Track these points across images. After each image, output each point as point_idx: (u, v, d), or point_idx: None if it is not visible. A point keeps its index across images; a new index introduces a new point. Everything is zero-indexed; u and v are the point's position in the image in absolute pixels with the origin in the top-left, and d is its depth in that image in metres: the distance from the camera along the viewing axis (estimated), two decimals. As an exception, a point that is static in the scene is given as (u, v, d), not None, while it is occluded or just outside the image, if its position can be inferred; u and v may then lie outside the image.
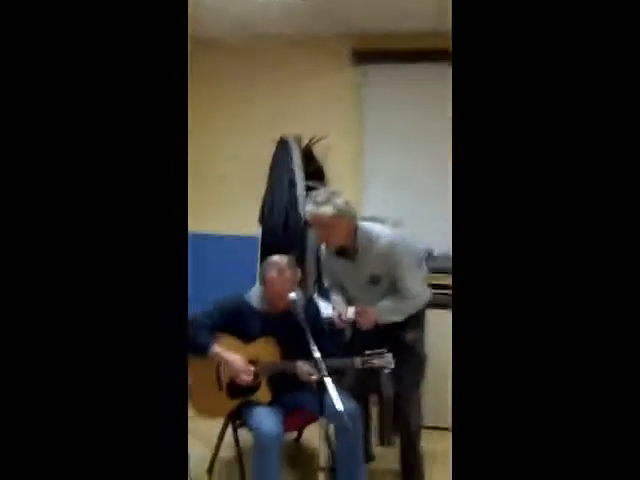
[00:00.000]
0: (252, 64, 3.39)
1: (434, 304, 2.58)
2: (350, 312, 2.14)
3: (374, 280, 2.05)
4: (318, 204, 1.94)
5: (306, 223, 3.10)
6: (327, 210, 1.93)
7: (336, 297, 2.21)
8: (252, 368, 1.97)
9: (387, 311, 2.03)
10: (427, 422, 2.49)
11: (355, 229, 2.02)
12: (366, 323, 2.03)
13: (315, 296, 2.66)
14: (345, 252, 2.07)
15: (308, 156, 3.20)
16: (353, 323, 2.29)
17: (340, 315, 2.07)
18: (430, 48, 2.97)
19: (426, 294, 2.17)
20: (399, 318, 2.06)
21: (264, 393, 1.99)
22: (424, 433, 2.30)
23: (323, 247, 2.22)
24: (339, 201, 1.95)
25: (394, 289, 2.07)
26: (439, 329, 2.60)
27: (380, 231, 2.03)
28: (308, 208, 1.99)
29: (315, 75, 3.32)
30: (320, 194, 1.98)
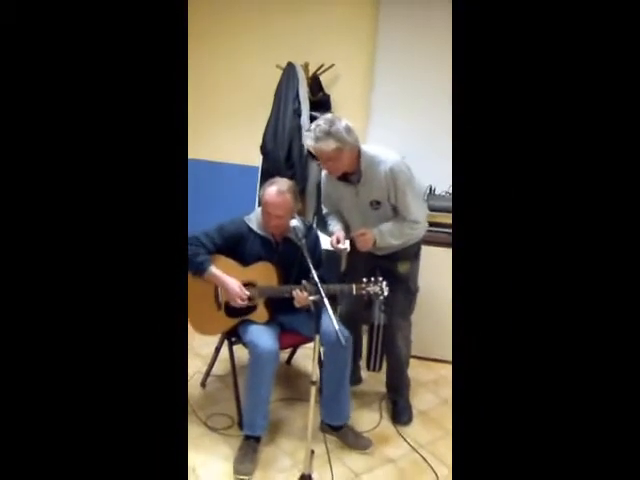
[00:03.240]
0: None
1: (432, 241, 2.64)
2: (347, 243, 2.16)
3: (375, 204, 2.06)
4: (318, 139, 1.90)
5: (309, 153, 3.08)
6: (329, 144, 1.89)
7: (334, 222, 2.22)
8: (247, 293, 2.01)
9: (386, 233, 2.05)
10: (415, 352, 2.63)
11: (358, 155, 2.00)
12: (364, 244, 2.05)
13: (315, 227, 2.67)
14: (348, 177, 2.06)
15: (315, 84, 3.11)
16: (350, 254, 2.33)
17: (338, 240, 2.09)
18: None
19: (425, 222, 2.17)
20: (397, 242, 2.08)
21: (261, 314, 2.05)
22: (411, 362, 2.40)
23: (324, 172, 2.20)
24: (340, 129, 1.90)
25: (394, 215, 2.08)
26: (436, 266, 2.67)
27: (384, 155, 2.01)
28: (309, 143, 1.94)
29: (329, 3, 3.16)
30: (319, 127, 1.91)
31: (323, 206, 2.33)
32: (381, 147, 2.08)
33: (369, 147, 2.05)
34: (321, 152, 1.93)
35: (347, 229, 2.20)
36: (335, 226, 2.20)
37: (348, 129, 1.94)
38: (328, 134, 1.89)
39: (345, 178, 2.07)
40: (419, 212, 2.11)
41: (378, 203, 2.06)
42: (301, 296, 1.90)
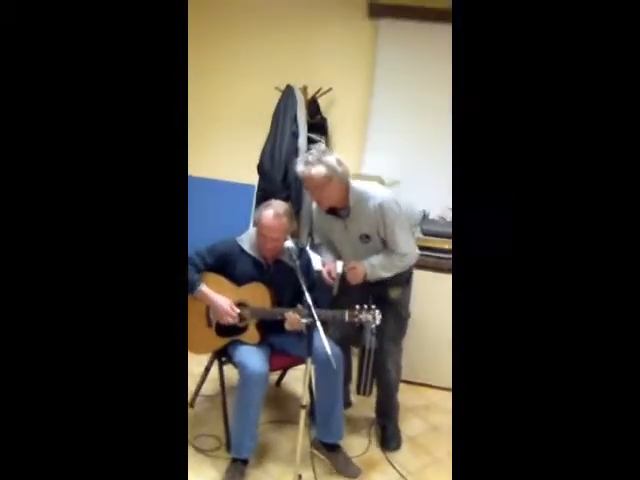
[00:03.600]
0: (265, 8, 3.29)
1: (424, 266, 2.66)
2: (339, 268, 2.18)
3: (365, 238, 2.09)
4: (309, 164, 1.93)
5: (305, 175, 3.11)
6: (319, 170, 1.92)
7: (326, 254, 2.24)
8: (237, 311, 2.01)
9: (377, 267, 2.07)
10: (403, 377, 2.62)
11: (347, 189, 2.02)
12: (355, 278, 2.07)
13: (307, 248, 2.69)
14: (337, 211, 2.08)
15: (313, 107, 3.16)
16: (342, 279, 2.34)
17: (330, 272, 2.11)
18: (447, 8, 2.89)
19: (414, 253, 2.20)
20: (387, 274, 2.10)
21: (252, 335, 2.04)
22: (400, 387, 2.39)
23: (315, 206, 2.22)
24: (330, 159, 1.94)
25: (384, 247, 2.10)
26: (426, 290, 2.69)
27: (372, 191, 2.04)
28: (299, 169, 1.97)
29: (328, 25, 3.24)
30: (311, 155, 1.96)
31: (315, 236, 2.35)
32: (370, 184, 2.13)
33: (358, 183, 2.08)
34: (311, 179, 1.95)
35: (339, 258, 2.22)
36: (327, 258, 2.22)
37: (339, 161, 1.97)
38: (319, 161, 1.92)
39: (334, 212, 2.09)
40: (407, 245, 2.13)
41: (367, 237, 2.08)
42: (294, 319, 1.90)
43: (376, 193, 2.03)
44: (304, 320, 1.68)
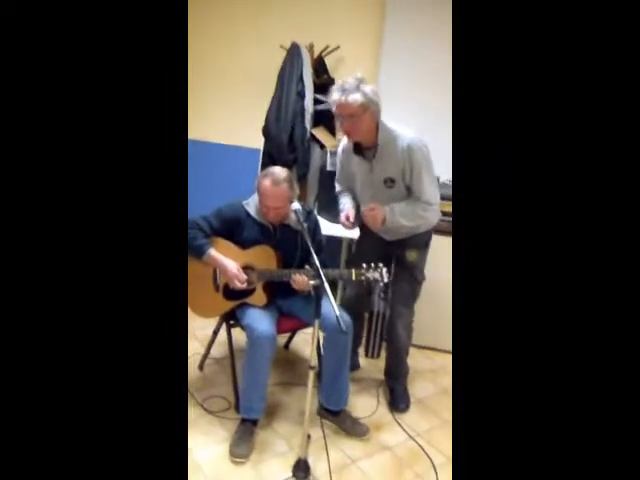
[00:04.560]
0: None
1: (439, 230, 2.61)
2: (354, 215, 2.10)
3: (389, 182, 2.01)
4: (346, 92, 1.85)
5: (312, 137, 3.03)
6: (356, 98, 1.84)
7: (346, 200, 2.17)
8: (245, 276, 1.98)
9: (397, 212, 1.99)
10: (415, 341, 2.61)
11: (377, 125, 1.95)
12: (374, 221, 2.00)
13: (315, 212, 2.64)
14: (364, 151, 2.01)
15: (320, 67, 3.05)
16: (359, 237, 2.30)
17: (348, 217, 2.05)
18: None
19: (438, 206, 2.12)
20: (408, 223, 2.02)
21: (259, 297, 2.02)
22: (410, 351, 2.38)
23: (342, 146, 2.15)
24: (368, 89, 1.86)
25: (407, 195, 2.03)
26: (438, 255, 2.64)
27: (402, 131, 1.96)
28: (335, 97, 1.88)
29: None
30: (348, 82, 1.87)
31: (336, 183, 2.28)
32: (399, 124, 2.02)
33: (389, 122, 1.99)
34: (346, 106, 1.86)
35: (359, 209, 2.14)
36: (347, 204, 2.15)
37: (375, 92, 1.89)
38: (357, 88, 1.85)
39: (361, 152, 2.02)
40: (433, 194, 2.05)
41: (392, 181, 2.01)
42: (301, 280, 1.87)
43: (406, 133, 1.96)
44: (312, 282, 1.65)
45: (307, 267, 1.85)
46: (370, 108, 1.87)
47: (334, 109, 1.93)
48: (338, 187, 2.27)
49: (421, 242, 2.17)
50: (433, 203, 2.05)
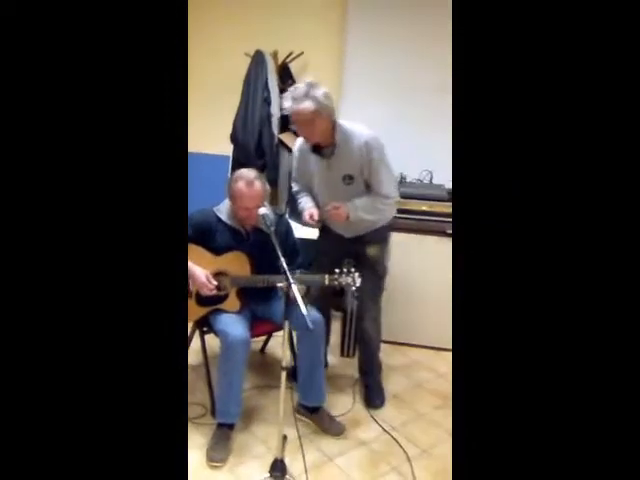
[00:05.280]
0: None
1: (403, 228, 2.68)
2: (318, 214, 2.14)
3: (347, 179, 2.07)
4: (297, 100, 1.90)
5: (280, 142, 3.07)
6: (307, 105, 1.89)
7: (306, 199, 2.22)
8: (215, 283, 1.99)
9: (359, 208, 2.07)
10: (387, 338, 2.68)
11: (334, 124, 2.00)
12: (338, 218, 2.07)
13: (287, 215, 2.68)
14: (322, 150, 2.06)
15: (285, 73, 3.10)
16: (319, 236, 2.35)
17: (312, 215, 2.10)
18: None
19: (396, 198, 2.19)
20: (369, 217, 2.10)
21: (232, 303, 2.05)
22: (382, 346, 2.44)
23: (298, 145, 2.20)
24: (319, 94, 1.91)
25: (366, 191, 2.09)
26: (407, 252, 2.72)
27: (358, 130, 2.02)
28: (287, 104, 1.94)
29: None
30: (298, 89, 1.92)
31: (293, 183, 2.32)
32: (356, 124, 2.08)
33: (345, 122, 2.05)
34: (298, 114, 1.92)
35: (317, 206, 2.19)
36: (307, 203, 2.20)
37: (327, 95, 1.94)
38: (306, 96, 1.90)
39: (318, 151, 2.07)
40: (391, 187, 2.13)
41: (351, 178, 2.06)
42: (273, 281, 1.88)
43: (363, 132, 2.02)
44: (280, 284, 1.68)
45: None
46: (322, 112, 1.92)
47: (290, 116, 1.98)
48: (295, 186, 2.31)
49: (380, 237, 2.24)
50: (391, 196, 2.12)
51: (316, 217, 2.11)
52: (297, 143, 2.20)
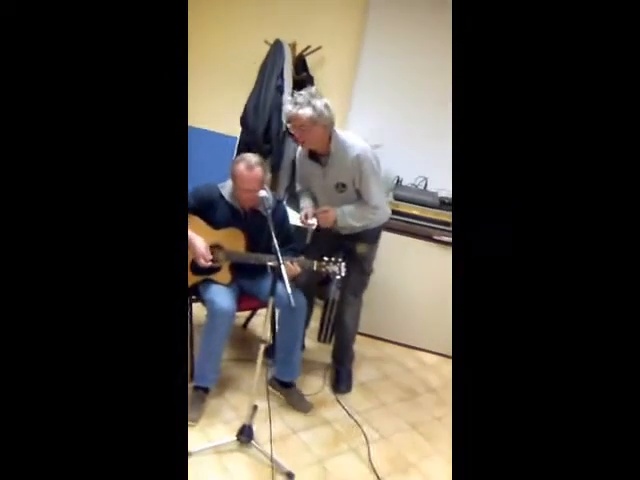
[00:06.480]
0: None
1: (395, 229, 2.81)
2: (312, 214, 2.29)
3: (340, 187, 2.21)
4: (298, 105, 2.03)
5: (287, 131, 3.17)
6: (306, 112, 2.01)
7: (305, 200, 2.35)
8: (210, 256, 2.10)
9: (347, 214, 2.21)
10: (365, 330, 2.81)
11: (330, 136, 2.12)
12: (325, 221, 2.22)
13: (285, 202, 2.79)
14: (318, 157, 2.19)
15: (300, 64, 3.19)
16: (316, 229, 2.47)
17: (307, 216, 2.24)
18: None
19: (386, 209, 2.34)
20: (356, 224, 2.24)
21: (224, 275, 2.16)
22: (358, 338, 2.58)
23: (299, 150, 2.32)
24: (319, 104, 2.03)
25: (358, 198, 2.23)
26: (395, 252, 2.84)
27: (353, 141, 2.15)
28: (287, 109, 2.07)
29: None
30: (302, 95, 2.05)
31: (297, 183, 2.46)
32: (353, 135, 2.21)
33: (341, 132, 2.18)
34: (296, 118, 2.04)
35: (316, 206, 2.33)
36: (305, 202, 2.33)
37: (327, 106, 2.06)
38: (308, 103, 2.02)
39: (315, 158, 2.20)
40: (379, 199, 2.27)
41: (344, 186, 2.20)
42: (292, 268, 1.98)
43: (356, 144, 2.14)
44: (270, 262, 1.80)
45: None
46: (319, 121, 2.04)
47: (288, 119, 2.11)
48: (298, 187, 2.45)
49: (371, 236, 2.37)
50: (379, 207, 2.26)
51: (309, 217, 2.25)
52: (299, 148, 2.33)
